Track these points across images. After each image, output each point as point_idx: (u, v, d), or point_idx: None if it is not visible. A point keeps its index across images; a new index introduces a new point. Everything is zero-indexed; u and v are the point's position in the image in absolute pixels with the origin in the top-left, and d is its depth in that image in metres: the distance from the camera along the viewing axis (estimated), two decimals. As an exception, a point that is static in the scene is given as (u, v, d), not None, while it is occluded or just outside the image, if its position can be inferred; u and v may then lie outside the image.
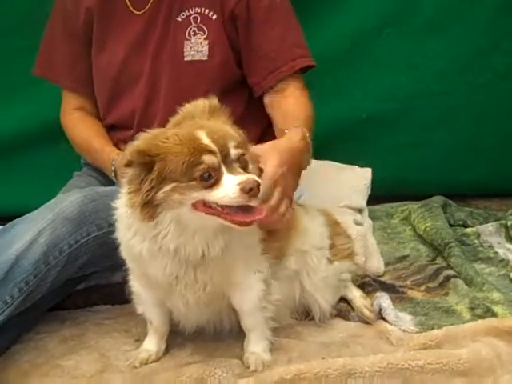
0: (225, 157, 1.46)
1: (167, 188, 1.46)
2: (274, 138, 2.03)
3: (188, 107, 1.62)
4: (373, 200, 2.65)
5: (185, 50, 2.03)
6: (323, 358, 1.69)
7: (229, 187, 1.44)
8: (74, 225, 1.80)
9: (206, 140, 1.46)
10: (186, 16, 2.04)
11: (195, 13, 2.03)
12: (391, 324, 1.89)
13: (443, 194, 2.77)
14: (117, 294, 2.06)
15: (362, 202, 2.55)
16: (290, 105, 2.02)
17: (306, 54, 2.07)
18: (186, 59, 2.04)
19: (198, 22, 2.03)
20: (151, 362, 1.76)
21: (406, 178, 2.87)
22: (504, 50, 2.74)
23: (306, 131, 1.83)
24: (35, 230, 1.76)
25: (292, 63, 2.03)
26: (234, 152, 1.47)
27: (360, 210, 2.53)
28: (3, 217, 2.55)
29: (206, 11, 2.03)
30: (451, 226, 2.56)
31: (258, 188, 1.43)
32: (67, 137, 2.27)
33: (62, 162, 2.44)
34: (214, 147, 1.45)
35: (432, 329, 1.85)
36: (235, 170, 1.46)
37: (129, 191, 1.52)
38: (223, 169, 1.45)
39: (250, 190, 1.42)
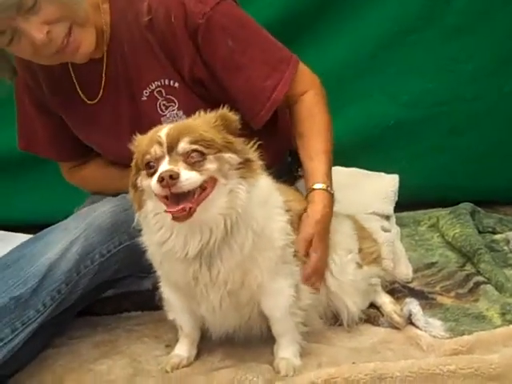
0: (171, 149, 1.50)
1: (140, 176, 1.57)
2: (282, 163, 2.11)
3: None
4: (400, 207, 2.65)
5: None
6: (353, 363, 1.69)
7: (155, 176, 1.49)
8: (106, 234, 1.84)
9: (161, 133, 1.52)
10: (149, 92, 1.91)
11: (157, 87, 1.90)
12: (421, 330, 1.88)
13: (471, 200, 2.74)
14: (146, 301, 2.09)
15: (389, 208, 2.56)
16: (312, 131, 1.95)
17: (280, 78, 1.90)
18: None
19: (164, 94, 1.91)
20: (182, 367, 1.77)
21: (433, 185, 2.85)
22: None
23: (330, 186, 1.89)
24: (68, 240, 1.79)
25: (269, 102, 1.90)
26: (182, 146, 1.50)
27: (387, 217, 2.53)
28: (30, 225, 2.62)
29: (166, 81, 1.90)
30: (480, 232, 2.53)
31: (172, 178, 1.44)
32: (81, 188, 2.24)
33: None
34: (162, 139, 1.51)
35: (462, 334, 1.84)
36: (176, 162, 1.49)
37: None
38: (166, 160, 1.50)
39: (162, 180, 1.45)
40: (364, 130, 2.81)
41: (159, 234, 1.59)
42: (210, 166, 1.53)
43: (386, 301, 1.99)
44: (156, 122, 1.80)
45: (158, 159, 1.51)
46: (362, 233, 2.02)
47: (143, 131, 1.67)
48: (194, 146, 1.51)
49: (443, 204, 2.79)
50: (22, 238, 2.19)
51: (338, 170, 2.56)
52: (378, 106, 2.80)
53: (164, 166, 1.48)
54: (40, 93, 2.03)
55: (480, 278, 2.17)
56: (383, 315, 1.96)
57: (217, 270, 1.60)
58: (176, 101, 1.91)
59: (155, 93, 1.91)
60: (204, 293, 1.65)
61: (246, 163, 1.59)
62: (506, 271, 2.23)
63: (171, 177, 1.45)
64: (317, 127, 1.95)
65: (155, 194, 1.52)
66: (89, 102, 1.97)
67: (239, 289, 1.66)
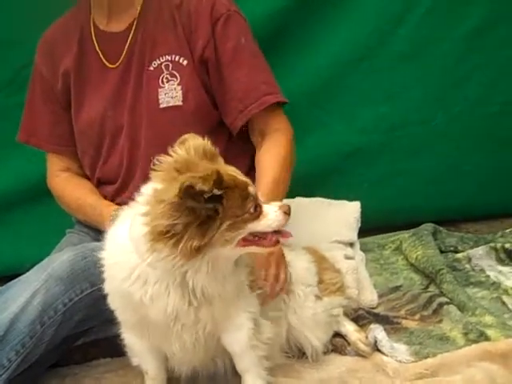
0: None
1: (223, 227, 1.46)
2: None
3: (182, 155, 1.55)
4: (364, 232, 2.68)
5: (159, 97, 2.07)
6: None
7: (274, 213, 1.54)
8: (66, 284, 1.83)
9: (239, 176, 1.54)
10: (158, 65, 2.08)
11: (166, 60, 2.08)
12: (387, 355, 1.91)
13: (434, 220, 2.79)
14: (115, 347, 2.05)
15: (352, 235, 2.58)
16: (265, 161, 2.04)
17: (274, 91, 2.09)
18: (161, 106, 2.07)
19: (170, 68, 2.07)
20: (151, 413, 1.76)
21: (395, 208, 2.88)
22: (476, 81, 2.79)
23: None
24: (29, 292, 1.79)
25: (260, 100, 2.05)
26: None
27: (351, 244, 2.56)
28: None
29: (177, 58, 2.07)
30: (442, 252, 2.58)
31: None
32: (56, 199, 2.29)
33: (56, 219, 2.46)
34: (249, 181, 1.55)
35: (427, 357, 1.87)
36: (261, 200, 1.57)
37: (173, 237, 1.44)
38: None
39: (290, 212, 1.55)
40: (322, 158, 2.84)
41: (207, 280, 1.53)
42: None
43: (350, 329, 2.01)
44: (153, 94, 2.06)
45: (257, 200, 1.54)
46: (323, 264, 2.04)
47: (139, 104, 2.05)
48: None
49: (407, 226, 2.82)
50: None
51: (299, 201, 2.59)
52: (335, 134, 2.84)
53: (272, 205, 1.56)
54: (53, 84, 2.20)
55: (443, 299, 2.21)
56: (349, 344, 1.98)
57: (205, 308, 1.59)
58: (178, 77, 2.07)
59: (163, 66, 2.08)
60: (179, 332, 1.63)
61: None
62: (468, 290, 2.28)
63: None
64: (276, 158, 2.02)
65: (248, 238, 1.53)
66: (109, 65, 2.13)
67: (214, 325, 1.65)
